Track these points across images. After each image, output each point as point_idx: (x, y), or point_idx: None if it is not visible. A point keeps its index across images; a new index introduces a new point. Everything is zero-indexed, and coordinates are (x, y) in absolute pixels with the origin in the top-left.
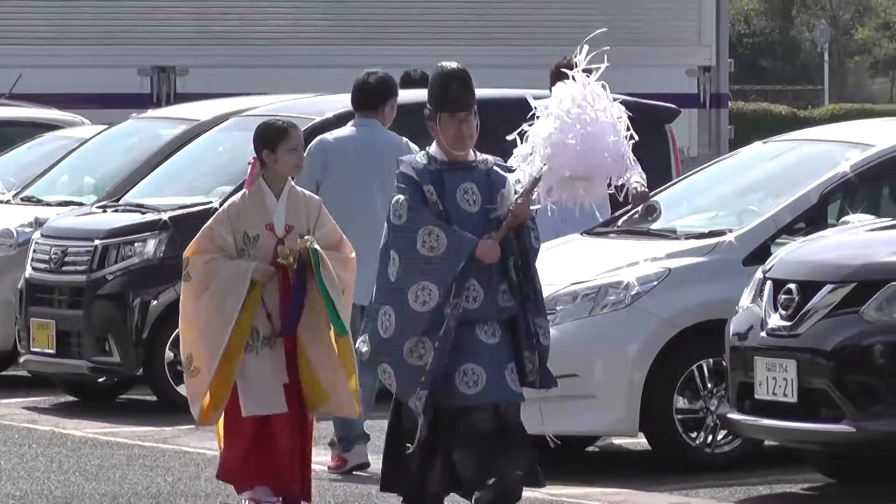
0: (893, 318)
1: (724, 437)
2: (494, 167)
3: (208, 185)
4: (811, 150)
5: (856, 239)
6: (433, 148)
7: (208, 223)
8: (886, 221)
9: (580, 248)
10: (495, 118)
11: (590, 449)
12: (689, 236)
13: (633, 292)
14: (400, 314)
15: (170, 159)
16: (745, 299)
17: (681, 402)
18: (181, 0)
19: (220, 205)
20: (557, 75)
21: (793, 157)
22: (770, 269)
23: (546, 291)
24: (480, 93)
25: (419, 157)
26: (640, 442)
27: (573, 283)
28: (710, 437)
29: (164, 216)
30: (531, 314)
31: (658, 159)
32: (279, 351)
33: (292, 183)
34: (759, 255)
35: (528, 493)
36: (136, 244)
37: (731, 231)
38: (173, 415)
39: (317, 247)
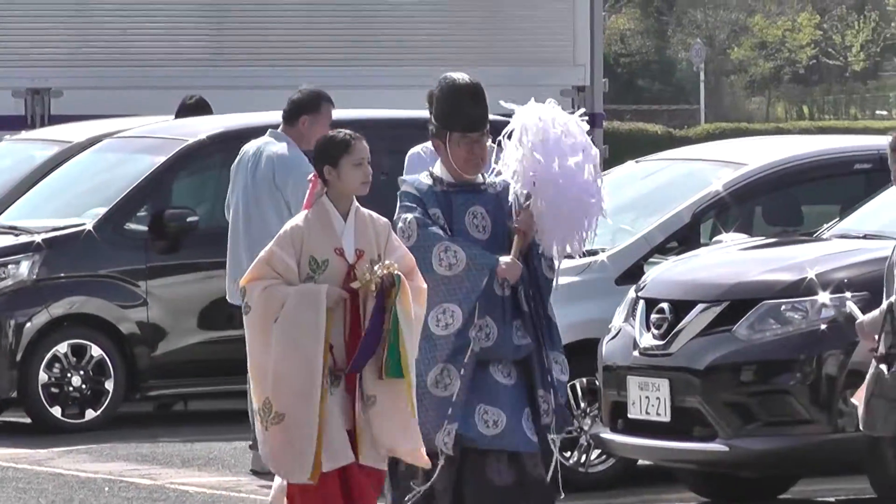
0: (765, 337)
1: (598, 456)
2: (505, 189)
3: (82, 207)
4: (684, 169)
5: (728, 258)
6: (438, 168)
7: (268, 247)
8: (758, 240)
9: None
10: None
11: None
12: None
13: None
14: (421, 341)
15: (43, 181)
16: (618, 319)
17: None
18: (55, 22)
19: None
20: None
21: (665, 176)
22: (643, 288)
23: None
24: (354, 114)
25: (423, 178)
26: None
27: None
28: (583, 457)
29: (38, 238)
30: (546, 348)
31: None
32: (341, 390)
33: (357, 203)
34: (632, 274)
35: None
36: (9, 266)
37: (603, 250)
38: (47, 437)
39: (401, 273)
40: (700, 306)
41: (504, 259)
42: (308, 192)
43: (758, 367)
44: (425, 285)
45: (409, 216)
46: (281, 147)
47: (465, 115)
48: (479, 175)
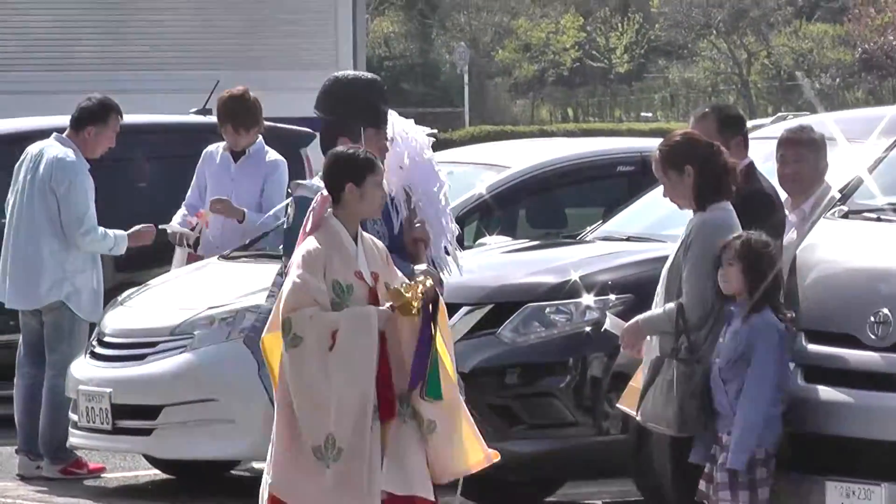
0: (529, 340)
1: None
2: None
3: None
4: (446, 172)
5: (492, 261)
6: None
7: (293, 275)
8: (523, 243)
9: (218, 271)
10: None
11: (233, 473)
12: None
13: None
14: None
15: None
16: None
17: None
18: None
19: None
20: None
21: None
22: None
23: (183, 316)
24: (129, 119)
25: (318, 182)
26: None
27: (210, 308)
28: None
29: None
30: None
31: None
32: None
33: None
34: None
35: None
36: None
37: None
38: None
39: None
40: (464, 309)
41: (420, 267)
42: (315, 212)
43: (522, 369)
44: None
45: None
46: (63, 151)
47: (382, 111)
48: None
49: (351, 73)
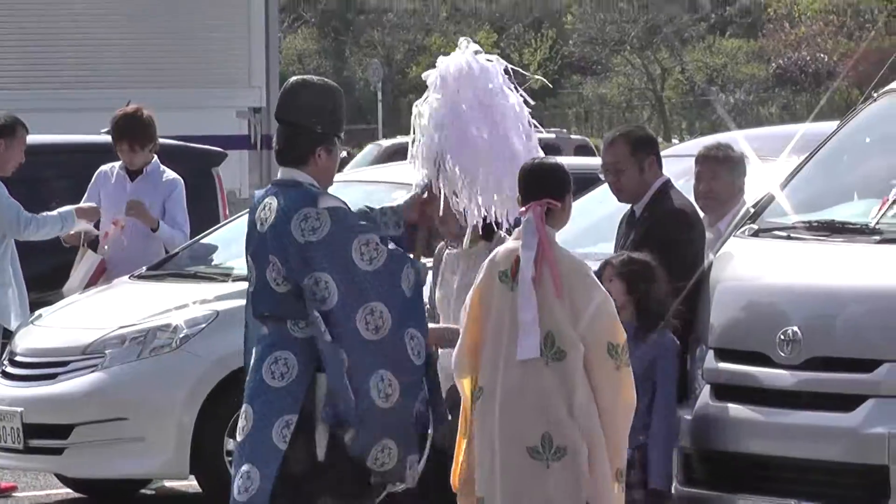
0: None
1: None
2: None
3: None
4: (359, 191)
5: None
6: (307, 179)
7: (604, 293)
8: None
9: (130, 291)
10: (45, 164)
11: (143, 491)
12: (236, 278)
13: (181, 335)
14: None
15: None
16: None
17: (231, 444)
18: None
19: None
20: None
21: (345, 197)
22: None
23: (94, 335)
24: (35, 139)
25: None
26: (192, 484)
27: (122, 327)
28: None
29: None
30: None
31: (206, 203)
32: None
33: None
34: None
35: None
36: None
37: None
38: None
39: None
40: None
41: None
42: (536, 226)
43: None
44: None
45: (372, 237)
46: None
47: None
48: None
49: (318, 79)
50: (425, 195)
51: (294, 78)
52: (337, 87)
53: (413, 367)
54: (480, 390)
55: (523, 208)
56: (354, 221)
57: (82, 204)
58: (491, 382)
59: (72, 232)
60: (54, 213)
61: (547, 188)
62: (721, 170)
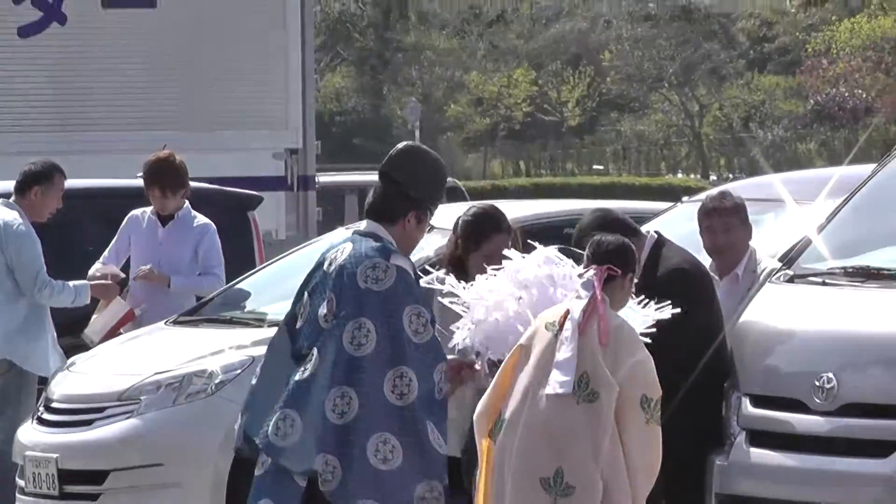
0: None
1: None
2: None
3: None
4: None
5: None
6: (391, 240)
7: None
8: None
9: (164, 337)
10: (79, 209)
11: None
12: (271, 324)
13: (216, 381)
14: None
15: None
16: None
17: None
18: None
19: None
20: None
21: None
22: None
23: (130, 381)
24: (70, 184)
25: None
26: None
27: (157, 373)
28: None
29: None
30: None
31: (241, 247)
32: None
33: None
34: None
35: None
36: None
37: None
38: None
39: None
40: None
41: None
42: (595, 287)
43: None
44: None
45: (424, 311)
46: (10, 215)
47: (442, 197)
48: None
49: (431, 151)
50: (476, 366)
51: (410, 143)
52: (445, 165)
53: (431, 452)
54: (502, 422)
55: (584, 269)
56: (417, 290)
57: (101, 281)
58: (515, 414)
59: (97, 275)
60: (70, 284)
61: (611, 258)
62: (733, 219)
